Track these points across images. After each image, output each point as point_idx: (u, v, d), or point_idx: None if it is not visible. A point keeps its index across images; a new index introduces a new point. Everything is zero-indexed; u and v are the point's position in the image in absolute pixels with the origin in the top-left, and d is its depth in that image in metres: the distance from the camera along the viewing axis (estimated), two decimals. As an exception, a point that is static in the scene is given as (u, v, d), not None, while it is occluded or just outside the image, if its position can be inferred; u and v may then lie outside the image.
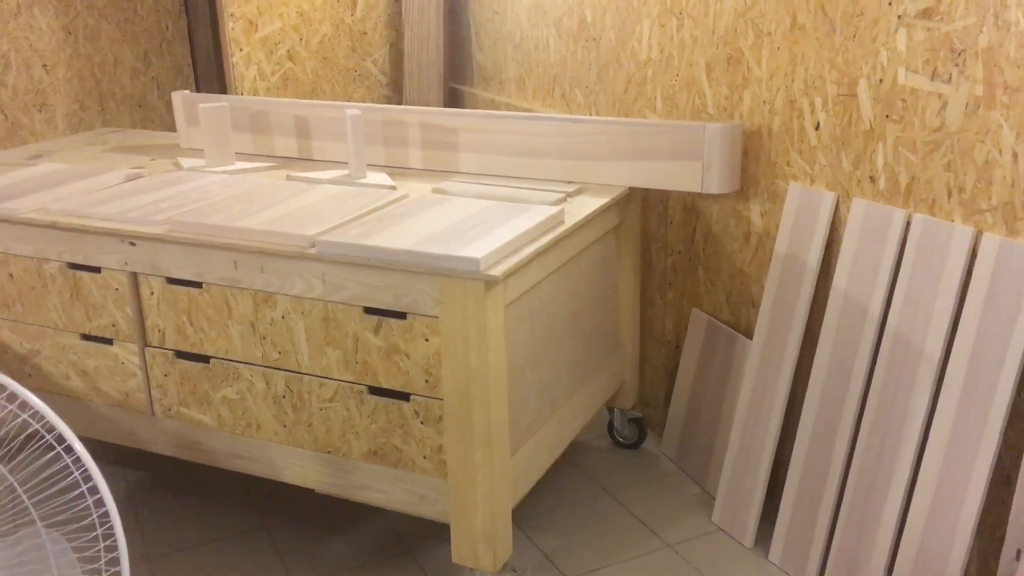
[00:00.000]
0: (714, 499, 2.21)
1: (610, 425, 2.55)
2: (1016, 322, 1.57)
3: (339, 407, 1.89)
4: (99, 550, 1.37)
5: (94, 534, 1.39)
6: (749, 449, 2.10)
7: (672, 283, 2.47)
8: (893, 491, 1.77)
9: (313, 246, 1.81)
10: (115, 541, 1.35)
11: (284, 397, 1.93)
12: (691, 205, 2.35)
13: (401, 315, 1.77)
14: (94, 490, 1.35)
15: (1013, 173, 1.58)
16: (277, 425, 1.96)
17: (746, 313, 2.24)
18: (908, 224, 1.78)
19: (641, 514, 2.23)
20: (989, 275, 1.62)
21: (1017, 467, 1.63)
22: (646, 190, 2.45)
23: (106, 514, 1.34)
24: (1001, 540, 1.68)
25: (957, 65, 1.64)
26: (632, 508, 2.26)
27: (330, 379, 1.88)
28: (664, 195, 2.42)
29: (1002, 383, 1.59)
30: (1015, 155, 1.57)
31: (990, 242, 1.62)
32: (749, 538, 2.09)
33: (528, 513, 2.25)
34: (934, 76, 1.68)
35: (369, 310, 1.80)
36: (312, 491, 2.19)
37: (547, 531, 2.18)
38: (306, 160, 2.56)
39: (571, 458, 2.48)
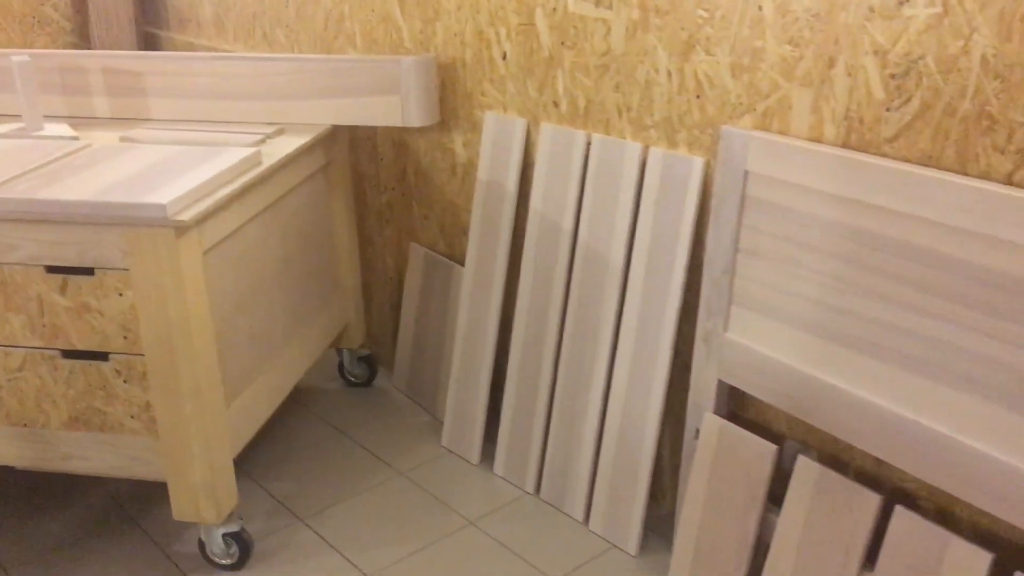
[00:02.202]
0: (443, 425, 2.29)
1: (340, 366, 2.55)
2: (680, 224, 1.74)
3: (30, 376, 1.76)
4: None
5: None
6: (469, 372, 2.19)
7: (388, 220, 2.50)
8: (593, 392, 1.92)
9: (-23, 205, 1.65)
10: None
11: (-36, 373, 1.77)
12: (400, 141, 2.38)
13: (89, 271, 1.67)
14: None
15: (669, 90, 1.73)
16: (-39, 404, 1.80)
17: (460, 242, 2.31)
18: (588, 144, 1.90)
19: (373, 448, 2.27)
20: (657, 184, 1.77)
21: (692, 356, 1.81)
22: (353, 129, 2.45)
23: None
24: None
25: (616, -8, 1.76)
26: (364, 444, 2.29)
27: (16, 347, 1.74)
28: (372, 133, 2.43)
29: (674, 280, 1.76)
30: (669, 74, 1.71)
31: (655, 155, 1.77)
32: (475, 456, 2.19)
33: (259, 462, 2.22)
34: (598, 3, 1.79)
35: (52, 269, 1.68)
36: (13, 469, 2.04)
37: (279, 477, 2.17)
38: (-25, 115, 2.32)
39: (302, 402, 2.47)
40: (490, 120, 2.10)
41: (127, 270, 1.65)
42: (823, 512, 1.55)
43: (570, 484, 1.99)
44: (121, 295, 1.67)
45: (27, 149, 1.92)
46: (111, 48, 3.04)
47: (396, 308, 2.56)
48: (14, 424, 1.80)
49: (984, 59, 1.29)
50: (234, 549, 1.86)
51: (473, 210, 2.16)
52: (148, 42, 3.14)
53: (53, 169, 1.78)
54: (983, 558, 1.35)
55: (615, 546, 1.90)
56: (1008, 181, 1.30)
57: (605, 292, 1.88)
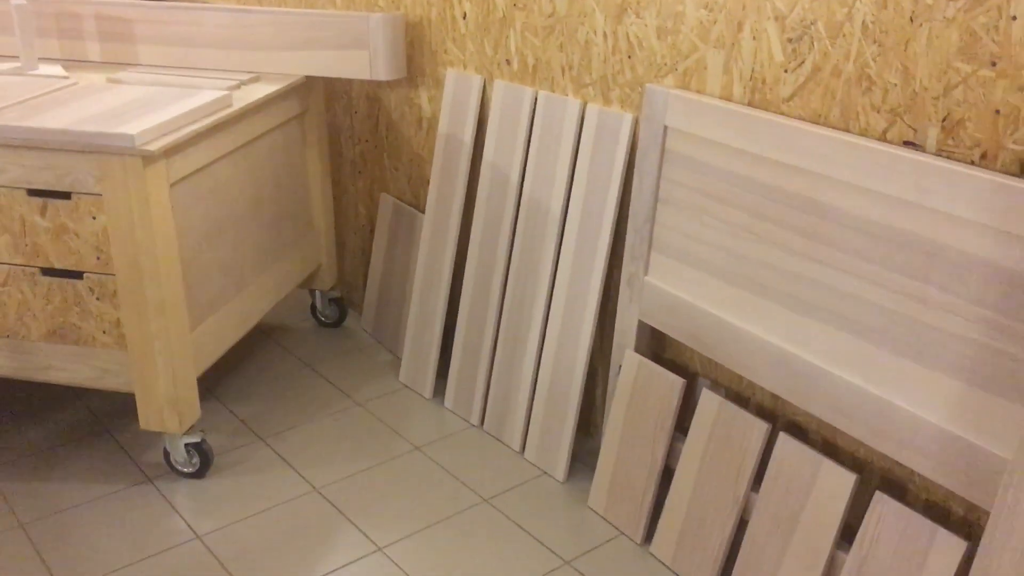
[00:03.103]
0: (401, 362, 2.45)
1: (313, 307, 2.72)
2: (611, 176, 1.88)
3: (13, 291, 1.93)
4: None
5: None
6: (425, 313, 2.35)
7: (362, 171, 2.65)
8: (532, 333, 2.07)
9: (-33, 131, 1.82)
10: None
11: (-46, 285, 1.94)
12: (373, 95, 2.52)
13: (66, 195, 1.83)
14: None
15: (605, 51, 1.86)
16: (-50, 315, 1.97)
17: (424, 192, 2.46)
18: (535, 100, 2.04)
19: (336, 381, 2.44)
20: (592, 139, 1.91)
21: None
22: (330, 82, 2.59)
23: None
24: (615, 363, 2.03)
25: (561, -43, 1.89)
26: (328, 377, 2.46)
27: (0, 264, 1.91)
28: (348, 87, 2.58)
29: (604, 227, 1.90)
30: (605, 35, 1.85)
31: (592, 111, 1.91)
32: (428, 391, 2.35)
33: (229, 388, 2.39)
34: (546, -33, 1.93)
35: (33, 192, 1.84)
36: None
37: (246, 402, 2.34)
38: (-23, 55, 2.48)
39: (275, 339, 2.64)
40: (451, 77, 2.24)
41: (100, 195, 1.81)
42: (720, 440, 1.70)
43: (509, 417, 2.14)
44: (94, 218, 1.83)
45: (19, 85, 2.08)
46: None
47: (367, 255, 2.71)
48: (-2, 335, 1.97)
49: (864, 25, 1.42)
50: (195, 459, 2.04)
51: (434, 162, 2.30)
52: (149, -4, 3.29)
53: (40, 102, 1.94)
54: (848, 478, 1.50)
55: (545, 473, 2.06)
56: (882, 137, 1.44)
57: (545, 239, 2.03)
